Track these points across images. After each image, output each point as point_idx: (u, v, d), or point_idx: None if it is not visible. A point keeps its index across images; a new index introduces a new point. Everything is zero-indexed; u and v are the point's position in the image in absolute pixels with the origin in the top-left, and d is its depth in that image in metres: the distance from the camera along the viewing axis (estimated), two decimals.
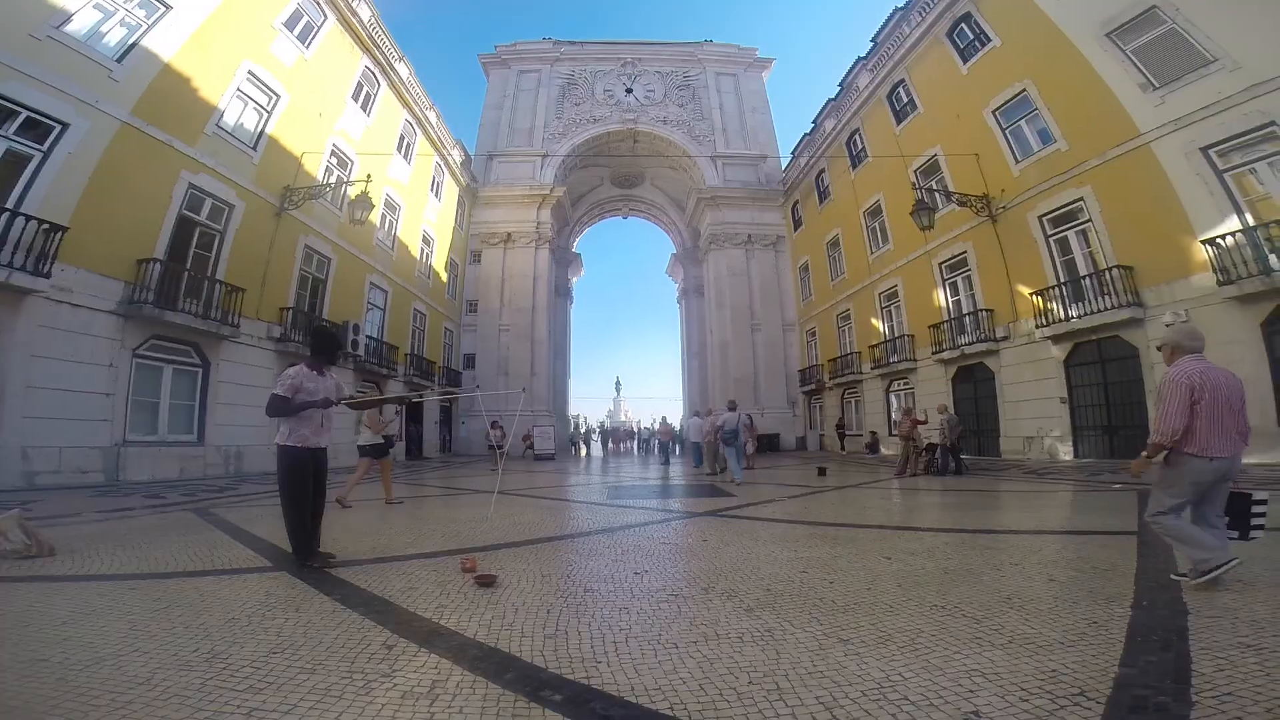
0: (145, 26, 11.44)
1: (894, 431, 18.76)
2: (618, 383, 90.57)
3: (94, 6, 10.65)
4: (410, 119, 22.55)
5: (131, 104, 11.13)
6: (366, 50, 18.97)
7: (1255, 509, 3.32)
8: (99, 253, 10.52)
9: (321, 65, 16.80)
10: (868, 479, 11.55)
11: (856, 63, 23.31)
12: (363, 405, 4.57)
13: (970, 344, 16.52)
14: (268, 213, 14.71)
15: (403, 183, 22.10)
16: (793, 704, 1.96)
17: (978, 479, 10.78)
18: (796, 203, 28.84)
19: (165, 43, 11.79)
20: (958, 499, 8.18)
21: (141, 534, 5.44)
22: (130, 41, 11.21)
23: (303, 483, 4.08)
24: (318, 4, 16.57)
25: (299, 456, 4.08)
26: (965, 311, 17.23)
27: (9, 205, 9.11)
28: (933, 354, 18.01)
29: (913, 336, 19.51)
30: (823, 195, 26.21)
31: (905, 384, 20.31)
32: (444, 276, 26.27)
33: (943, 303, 18.13)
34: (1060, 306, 13.80)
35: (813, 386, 26.69)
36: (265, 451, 12.69)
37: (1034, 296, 14.46)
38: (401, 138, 22.07)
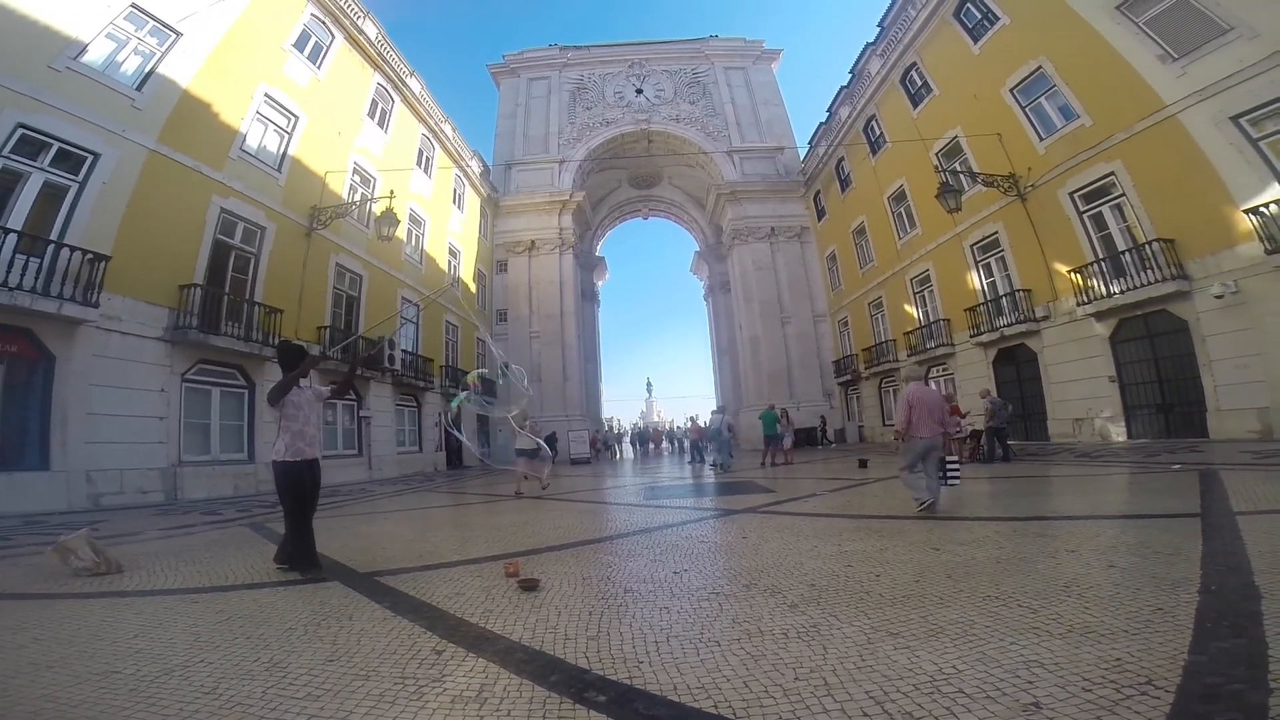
0: (159, 54, 11.71)
1: None
2: (649, 384, 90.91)
3: (107, 36, 10.90)
4: (427, 133, 22.91)
5: (157, 131, 11.45)
6: (377, 67, 19.36)
7: (949, 467, 5.97)
8: (142, 280, 10.93)
9: (335, 84, 17.20)
10: None
11: (866, 49, 22.95)
12: (346, 382, 4.95)
13: (1009, 325, 16.07)
14: (298, 233, 15.14)
15: (425, 197, 22.50)
16: (841, 699, 1.94)
17: (1026, 465, 10.46)
18: (818, 192, 28.41)
19: (181, 69, 12.08)
20: (1007, 486, 7.95)
21: (202, 549, 5.67)
22: (147, 69, 11.48)
23: (301, 494, 4.25)
24: (324, 24, 16.94)
25: (295, 469, 4.24)
26: (1002, 293, 16.76)
27: (53, 237, 9.49)
28: (971, 338, 17.55)
29: (949, 321, 19.06)
30: (844, 183, 25.79)
31: (944, 369, 19.81)
32: (473, 288, 26.61)
33: (977, 285, 17.68)
34: (1101, 283, 13.38)
35: (848, 377, 26.19)
36: None
37: (1072, 274, 14.04)
38: (420, 152, 22.46)
